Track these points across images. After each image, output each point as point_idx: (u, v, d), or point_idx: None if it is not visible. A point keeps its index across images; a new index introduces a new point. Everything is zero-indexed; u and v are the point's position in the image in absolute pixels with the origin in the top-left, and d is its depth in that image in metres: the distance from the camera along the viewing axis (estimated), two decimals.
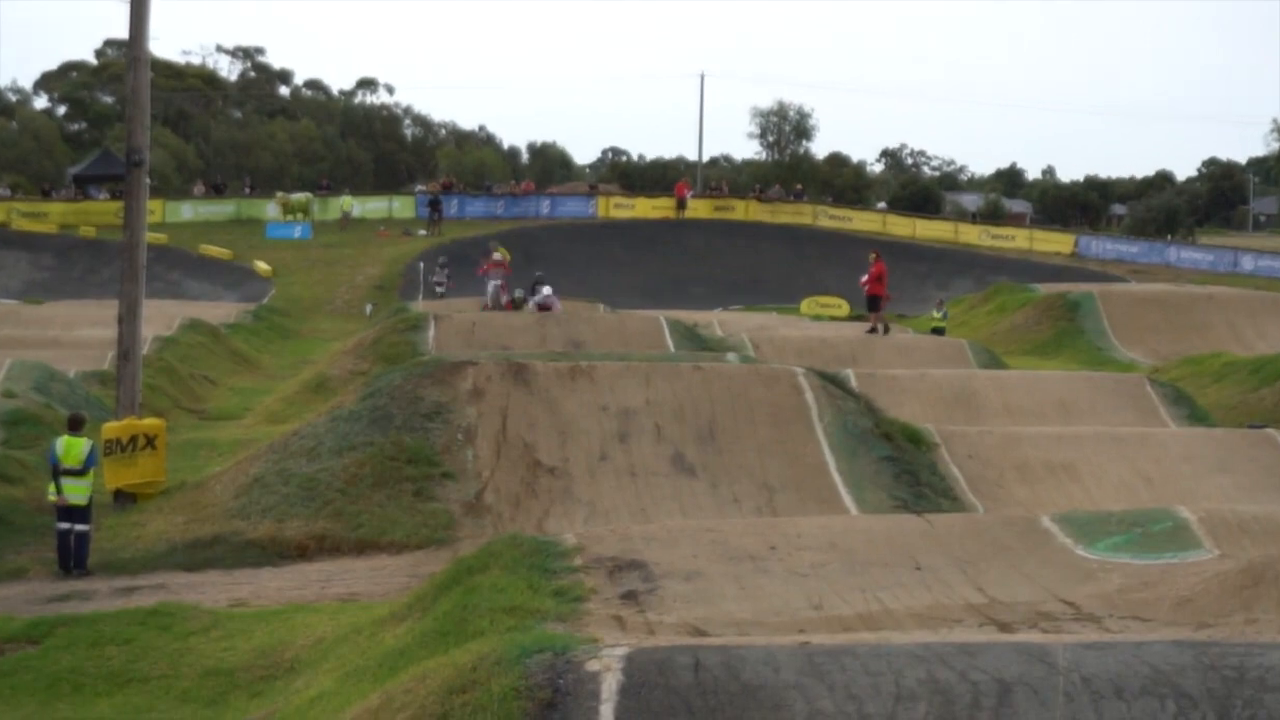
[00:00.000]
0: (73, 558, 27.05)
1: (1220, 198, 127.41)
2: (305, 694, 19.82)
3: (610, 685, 14.75)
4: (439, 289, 71.58)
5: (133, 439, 31.87)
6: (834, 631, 16.75)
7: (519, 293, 62.82)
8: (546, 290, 60.08)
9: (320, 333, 66.45)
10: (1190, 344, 54.35)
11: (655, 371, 32.72)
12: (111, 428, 32.10)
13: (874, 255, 56.80)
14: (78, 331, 50.77)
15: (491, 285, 62.83)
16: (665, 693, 14.52)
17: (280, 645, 22.44)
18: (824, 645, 15.12)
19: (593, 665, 15.02)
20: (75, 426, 28.54)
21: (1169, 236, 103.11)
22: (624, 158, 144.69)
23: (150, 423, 32.76)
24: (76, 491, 27.36)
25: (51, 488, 27.40)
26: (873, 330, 53.59)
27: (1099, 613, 19.01)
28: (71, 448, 27.49)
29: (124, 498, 31.16)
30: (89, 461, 27.56)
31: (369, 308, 70.87)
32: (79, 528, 27.25)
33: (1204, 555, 21.58)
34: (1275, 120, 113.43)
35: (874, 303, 54.85)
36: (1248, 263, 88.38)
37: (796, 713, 14.26)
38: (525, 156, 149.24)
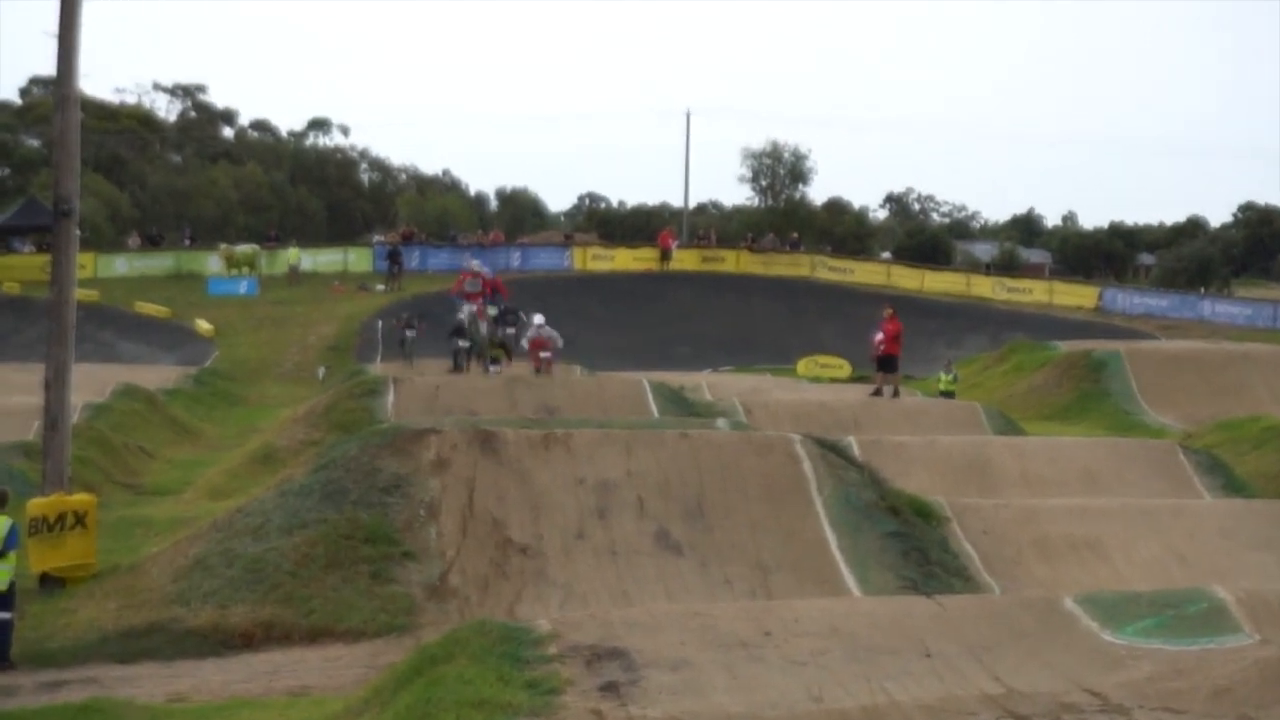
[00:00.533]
0: None
1: (1258, 245, 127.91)
2: None
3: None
4: (406, 341, 67.86)
5: (60, 517, 31.80)
6: None
7: (492, 309, 57.64)
8: (539, 320, 56.45)
9: (268, 399, 66.46)
10: (1226, 407, 54.42)
11: (637, 440, 32.73)
12: (37, 504, 32.05)
13: (889, 311, 56.72)
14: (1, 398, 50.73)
15: (466, 310, 57.20)
16: None
17: None
18: None
19: None
20: None
21: (1202, 289, 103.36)
22: (602, 204, 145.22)
23: (80, 499, 32.70)
24: None
25: None
26: (878, 393, 53.65)
27: (1128, 704, 19.02)
28: None
29: (51, 582, 31.05)
30: (9, 543, 27.43)
31: (322, 371, 70.86)
32: (3, 614, 27.20)
33: (1243, 640, 21.60)
34: None
35: (890, 363, 54.80)
36: None
37: None
38: (494, 203, 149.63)
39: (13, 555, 27.45)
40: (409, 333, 67.00)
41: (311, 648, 27.18)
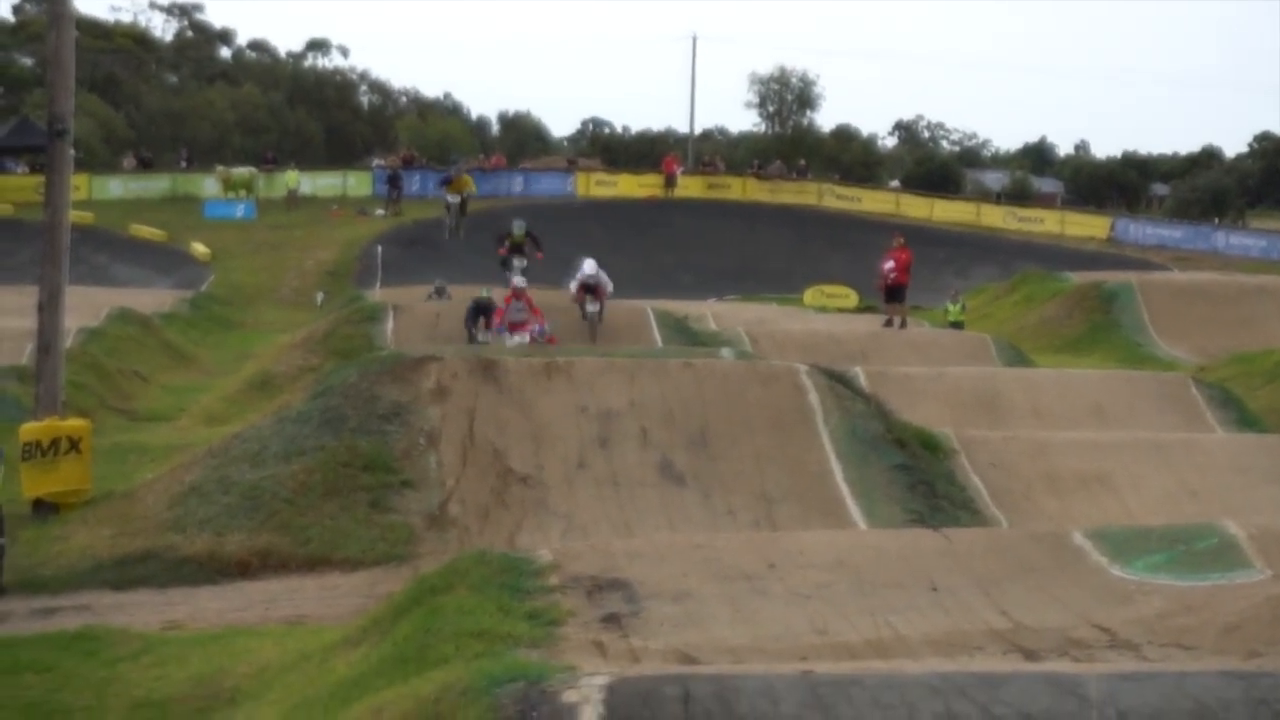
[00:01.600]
0: None
1: (1274, 176, 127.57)
2: None
3: (590, 717, 14.79)
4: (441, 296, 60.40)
5: (54, 442, 31.84)
6: (840, 660, 16.78)
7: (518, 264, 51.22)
8: (589, 266, 48.47)
9: (265, 324, 66.45)
10: (1240, 340, 54.40)
11: (641, 369, 32.72)
12: (30, 429, 32.07)
13: (900, 240, 56.82)
14: None
15: (513, 341, 45.74)
16: (646, 710, 14.54)
17: (219, 673, 22.43)
18: (829, 675, 15.14)
19: (570, 696, 15.04)
20: None
21: (1217, 220, 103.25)
22: (606, 130, 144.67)
23: (74, 424, 32.73)
24: None
25: None
26: (889, 323, 53.67)
27: (1137, 639, 19.05)
28: None
29: (44, 508, 31.09)
30: None
31: (320, 296, 70.80)
32: None
33: (1255, 576, 21.62)
34: None
35: (898, 293, 54.83)
36: None
37: None
38: (495, 128, 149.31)
39: None
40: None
41: (308, 576, 27.22)
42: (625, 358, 34.06)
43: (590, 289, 47.87)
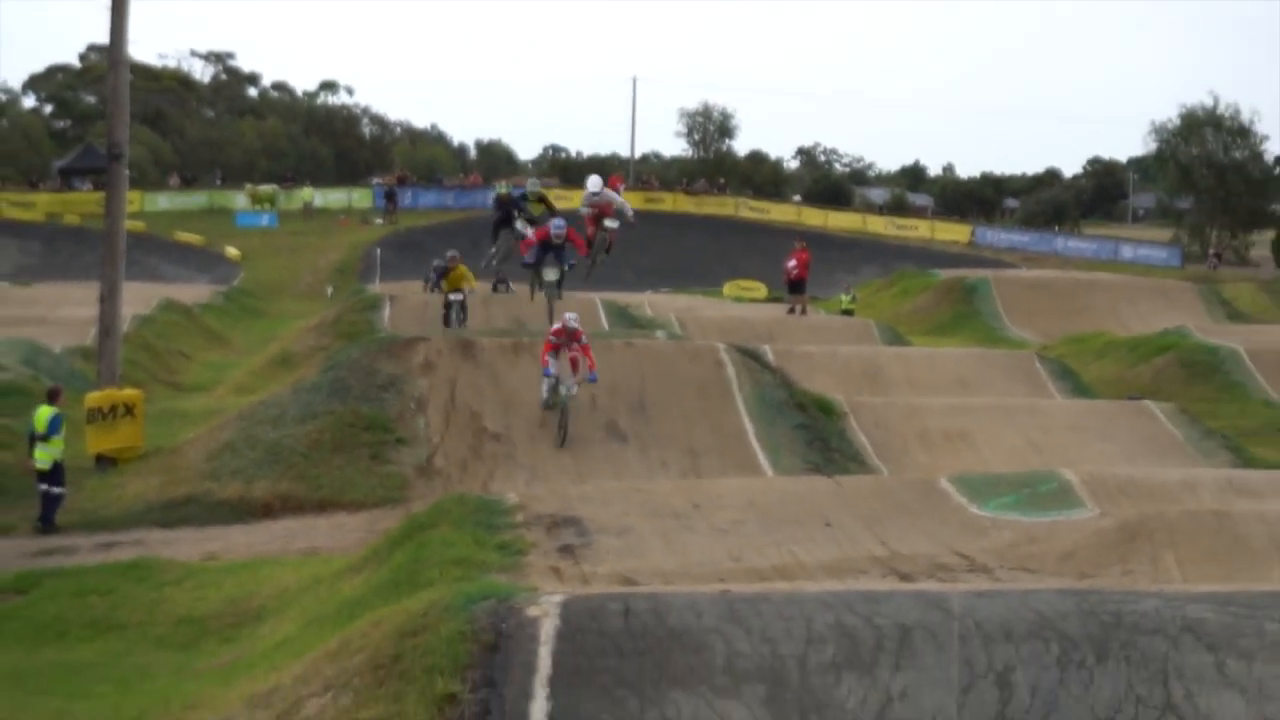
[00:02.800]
0: (44, 518, 27.06)
1: (1103, 193, 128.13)
2: (270, 639, 19.81)
3: (548, 629, 14.78)
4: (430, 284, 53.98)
5: (113, 408, 31.79)
6: (751, 581, 16.81)
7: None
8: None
9: (285, 312, 66.19)
10: (1074, 324, 54.67)
11: (591, 347, 32.72)
12: (94, 397, 32.04)
13: (800, 243, 57.14)
14: (62, 311, 50.50)
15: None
16: (597, 636, 14.55)
17: (248, 595, 22.42)
18: (742, 593, 15.18)
19: (532, 611, 15.05)
20: (51, 398, 28.49)
21: (1056, 228, 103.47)
22: (563, 154, 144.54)
23: (129, 393, 32.68)
24: (40, 456, 27.36)
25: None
26: (791, 311, 53.75)
27: (990, 565, 19.14)
28: (40, 416, 27.49)
29: (105, 461, 31.07)
30: (50, 429, 27.44)
31: (330, 289, 70.53)
32: (52, 489, 27.23)
33: (1086, 513, 21.77)
34: (1152, 122, 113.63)
35: (799, 286, 55.01)
36: (1127, 252, 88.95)
37: (716, 654, 14.32)
38: (473, 152, 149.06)
39: (56, 440, 27.38)
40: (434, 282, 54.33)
41: (320, 516, 27.20)
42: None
43: (600, 210, 34.86)
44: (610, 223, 35.08)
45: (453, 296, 41.88)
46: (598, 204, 34.55)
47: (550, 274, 35.22)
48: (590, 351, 30.59)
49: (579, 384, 30.50)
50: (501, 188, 42.28)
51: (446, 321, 41.19)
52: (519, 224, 40.26)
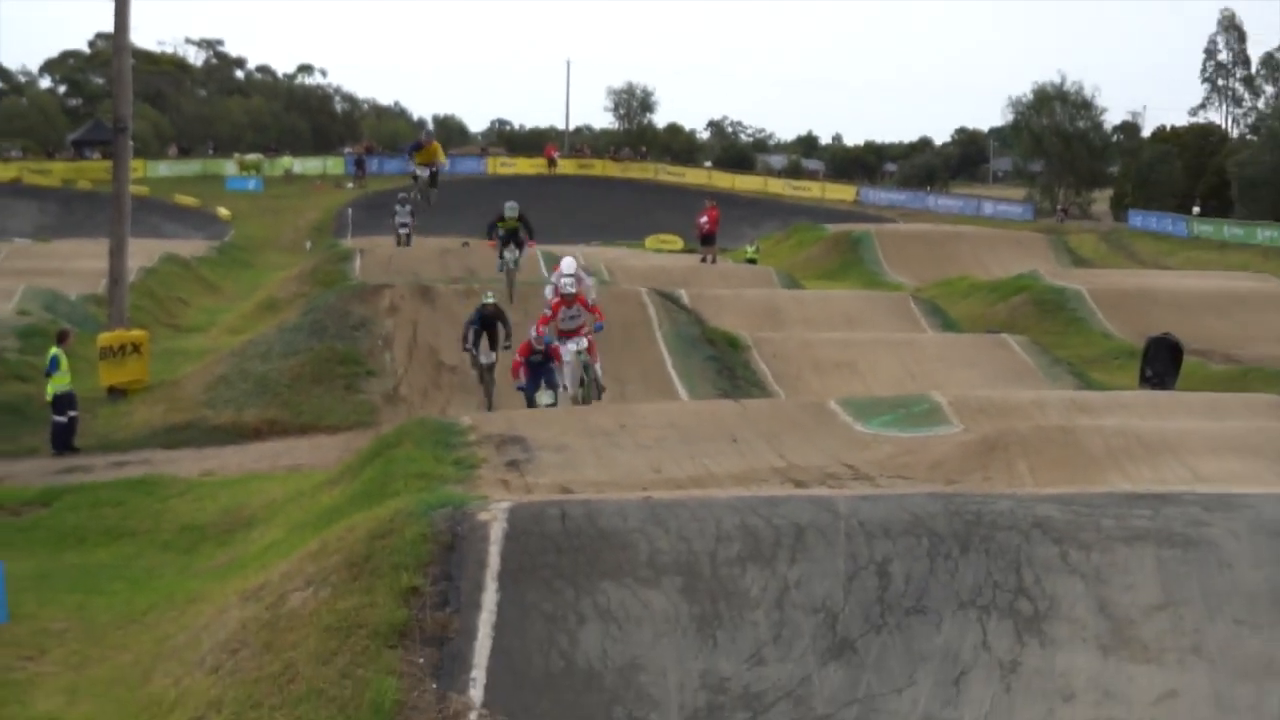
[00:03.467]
0: (55, 441, 27.09)
1: (967, 158, 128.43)
2: (260, 543, 19.83)
3: (497, 531, 14.85)
4: (403, 230, 53.72)
5: (122, 346, 31.68)
6: (670, 489, 16.89)
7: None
8: (568, 265, 25.54)
9: (270, 264, 65.80)
10: (943, 270, 54.86)
11: (532, 292, 32.68)
12: (105, 338, 31.92)
13: (711, 203, 57.32)
14: (77, 264, 50.04)
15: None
16: (539, 537, 14.63)
17: (240, 506, 22.43)
18: (662, 499, 15.27)
19: (483, 516, 15.10)
20: (59, 339, 28.57)
21: (928, 188, 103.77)
22: (508, 126, 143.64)
23: (136, 334, 32.55)
24: (47, 390, 27.55)
25: None
26: (704, 260, 53.81)
27: (872, 473, 19.28)
28: (48, 355, 27.63)
29: (116, 393, 30.98)
30: (50, 367, 27.51)
31: (308, 244, 70.11)
32: (55, 417, 27.22)
33: (952, 430, 21.93)
34: (1009, 97, 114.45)
35: (710, 240, 55.18)
36: (988, 208, 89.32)
37: (640, 551, 14.42)
38: (431, 125, 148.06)
39: (57, 376, 27.33)
40: (404, 229, 53.78)
41: (302, 438, 27.19)
42: (521, 285, 33.92)
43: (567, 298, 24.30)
44: (575, 344, 24.18)
45: (420, 171, 35.95)
46: (567, 292, 24.18)
47: (545, 398, 24.66)
48: (585, 301, 24.19)
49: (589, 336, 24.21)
50: (488, 296, 28.67)
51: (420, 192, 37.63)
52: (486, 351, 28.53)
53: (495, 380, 27.91)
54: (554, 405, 22.68)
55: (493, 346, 28.06)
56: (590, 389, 23.65)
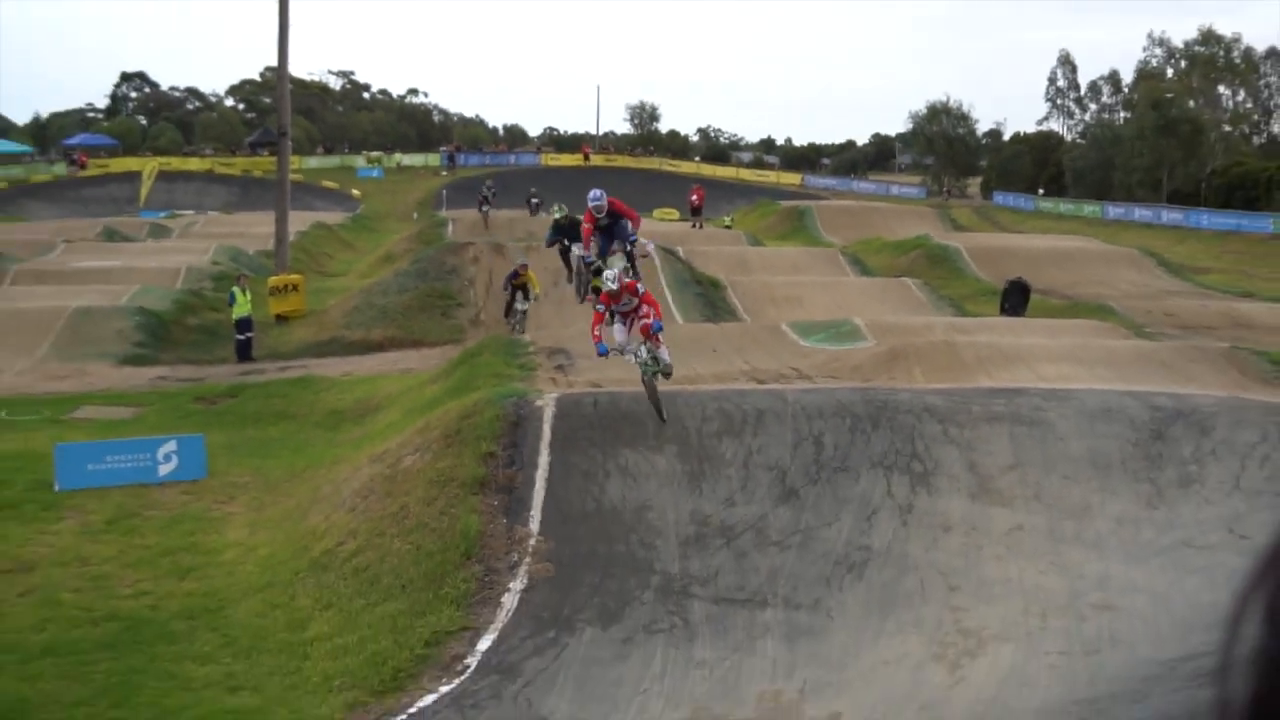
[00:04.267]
0: (238, 353, 27.19)
1: (880, 154, 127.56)
2: (383, 422, 19.93)
3: (549, 413, 14.91)
4: (485, 207, 49.19)
5: (286, 286, 31.69)
6: (669, 385, 16.92)
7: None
8: (594, 196, 17.76)
9: (388, 229, 65.50)
10: (863, 233, 54.52)
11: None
12: (273, 280, 31.95)
13: (698, 185, 57.60)
14: (253, 229, 49.98)
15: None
16: (578, 417, 14.69)
17: (369, 397, 22.51)
18: (665, 391, 15.31)
19: (539, 403, 15.17)
20: (237, 281, 28.73)
21: (852, 175, 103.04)
22: (556, 131, 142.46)
23: (295, 277, 32.58)
24: (231, 316, 27.72)
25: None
26: (693, 226, 53.62)
27: (811, 373, 19.32)
28: (230, 292, 27.87)
29: (281, 319, 31.05)
30: (230, 300, 27.64)
31: (415, 215, 69.73)
32: (236, 336, 27.32)
33: (868, 344, 21.96)
34: (910, 111, 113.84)
35: (698, 212, 55.20)
36: (895, 190, 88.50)
37: (648, 427, 14.51)
38: (501, 131, 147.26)
39: (235, 306, 27.45)
40: (486, 206, 49.61)
41: (412, 350, 27.24)
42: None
43: (605, 230, 17.58)
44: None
45: (518, 306, 26.14)
46: (599, 220, 17.67)
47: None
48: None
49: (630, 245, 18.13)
50: (558, 212, 21.56)
51: (508, 316, 26.62)
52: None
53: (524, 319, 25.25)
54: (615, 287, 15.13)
55: (526, 297, 24.97)
56: (655, 366, 15.15)
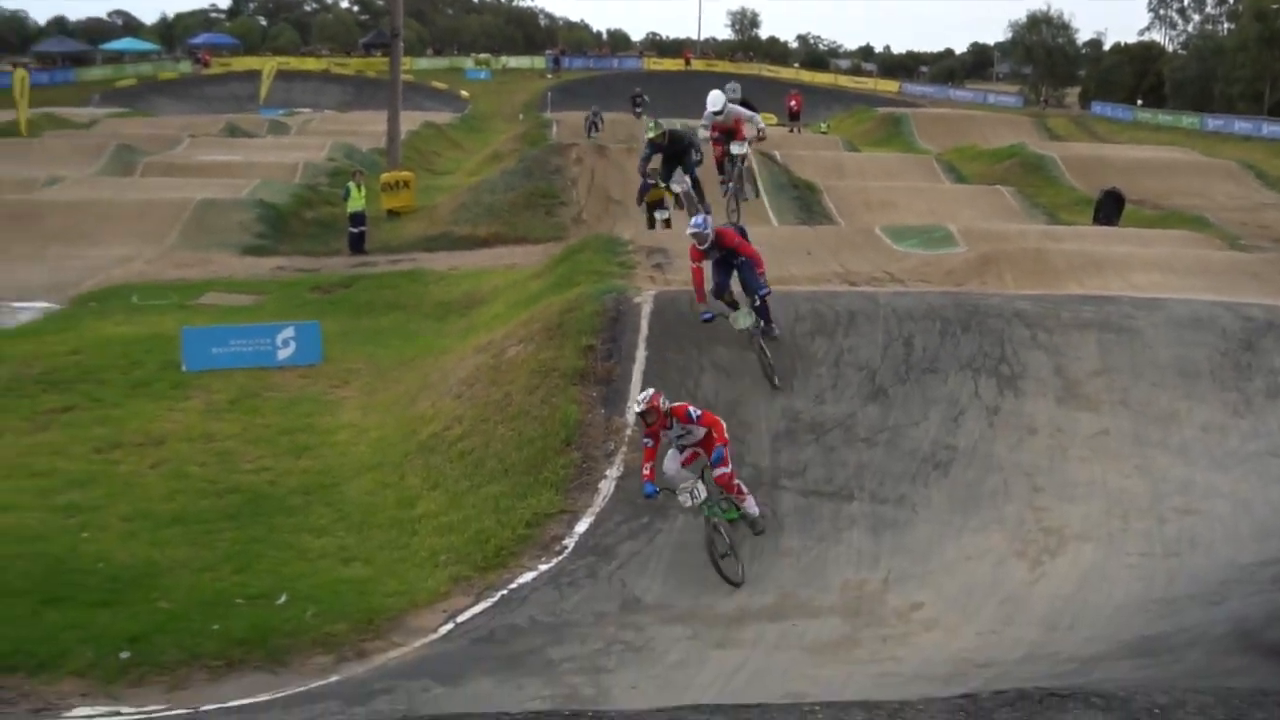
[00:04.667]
0: (352, 246, 27.48)
1: (978, 63, 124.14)
2: (488, 314, 20.08)
3: (646, 309, 14.92)
4: (594, 133, 45.00)
5: (397, 182, 31.89)
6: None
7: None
8: (713, 101, 17.61)
9: (495, 129, 65.42)
10: (958, 141, 53.32)
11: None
12: (386, 176, 32.14)
13: (796, 91, 56.83)
14: (366, 127, 50.19)
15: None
16: (675, 314, 14.69)
17: (475, 290, 22.68)
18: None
19: (637, 299, 15.18)
20: (352, 176, 28.92)
21: (950, 83, 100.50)
22: (658, 36, 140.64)
23: (406, 174, 32.74)
24: (346, 210, 27.92)
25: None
26: (791, 131, 52.87)
27: (903, 276, 19.07)
28: (345, 187, 28.07)
29: (393, 214, 31.23)
30: (344, 195, 27.92)
31: (521, 116, 69.59)
32: (350, 229, 27.57)
33: (959, 250, 21.58)
34: (1010, 21, 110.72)
35: (796, 117, 54.51)
36: (991, 99, 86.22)
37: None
38: (605, 35, 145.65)
39: (349, 200, 27.65)
40: (594, 131, 46.16)
41: (516, 246, 27.28)
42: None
43: (727, 131, 17.91)
44: (737, 147, 17.91)
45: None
46: (722, 125, 17.63)
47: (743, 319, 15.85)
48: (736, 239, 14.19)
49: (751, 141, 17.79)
50: (652, 129, 19.12)
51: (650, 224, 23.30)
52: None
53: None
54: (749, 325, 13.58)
55: (685, 170, 20.07)
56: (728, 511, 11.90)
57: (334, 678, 9.53)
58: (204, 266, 25.23)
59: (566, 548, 11.48)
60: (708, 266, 13.83)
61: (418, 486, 13.20)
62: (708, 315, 13.48)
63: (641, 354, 14.08)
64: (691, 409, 11.13)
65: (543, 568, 11.24)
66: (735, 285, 14.01)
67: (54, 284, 23.05)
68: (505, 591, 10.91)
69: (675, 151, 18.91)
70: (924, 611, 10.17)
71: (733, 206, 18.24)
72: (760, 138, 17.56)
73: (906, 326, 14.28)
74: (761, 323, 13.88)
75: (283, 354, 17.89)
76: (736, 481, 11.26)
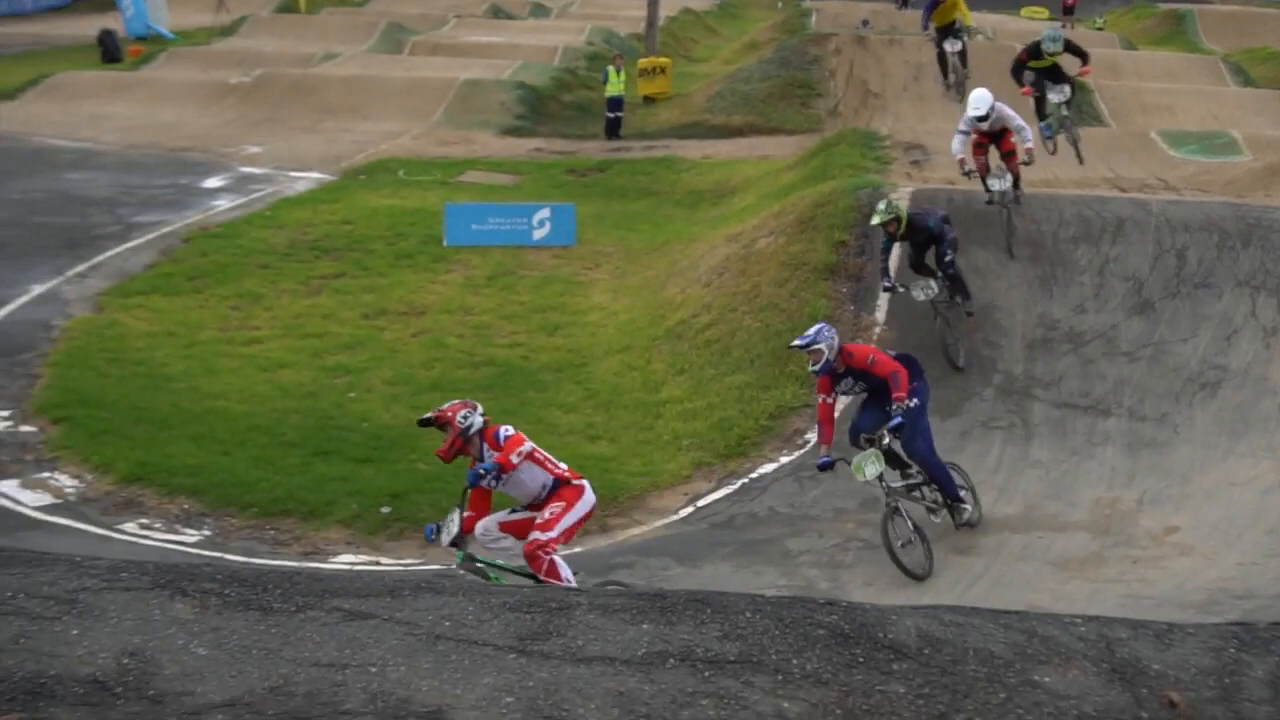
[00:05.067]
0: (608, 130, 27.65)
1: None
2: (739, 205, 20.05)
3: (903, 205, 14.59)
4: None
5: (654, 68, 31.89)
6: (1027, 188, 16.15)
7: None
8: (978, 104, 13.67)
9: (753, 17, 64.34)
10: (1249, 42, 49.58)
11: (925, 44, 31.27)
12: (643, 61, 32.19)
13: None
14: (625, 12, 50.16)
15: None
16: (928, 203, 14.28)
17: (727, 180, 22.63)
18: (1021, 192, 14.60)
19: (894, 195, 14.84)
20: (612, 60, 28.96)
21: None
22: None
23: (663, 60, 32.73)
24: (604, 94, 27.88)
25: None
26: (1063, 28, 50.26)
27: (1179, 186, 18.02)
28: (604, 70, 28.22)
29: (649, 100, 31.25)
30: (603, 78, 28.05)
31: (779, 4, 68.38)
32: (608, 114, 27.70)
33: (1243, 158, 20.24)
34: None
35: (1070, 11, 51.96)
36: None
37: (1001, 230, 13.96)
38: None
39: (609, 85, 27.69)
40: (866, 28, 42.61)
41: (770, 137, 26.98)
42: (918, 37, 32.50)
43: (993, 136, 13.97)
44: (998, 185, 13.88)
45: (949, 46, 21.04)
46: (984, 131, 13.96)
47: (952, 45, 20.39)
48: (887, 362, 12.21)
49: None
50: (881, 214, 12.43)
51: (944, 73, 22.27)
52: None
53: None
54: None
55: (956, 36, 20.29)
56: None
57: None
58: (466, 145, 25.96)
59: (809, 441, 11.49)
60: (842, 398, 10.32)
61: (663, 371, 13.40)
62: (826, 460, 9.67)
63: (895, 251, 13.81)
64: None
65: (784, 460, 11.30)
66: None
67: (328, 155, 24.18)
68: (746, 480, 11.03)
69: (918, 242, 12.80)
70: (1179, 535, 9.77)
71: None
72: (1027, 160, 13.72)
73: (1180, 237, 13.54)
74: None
75: (538, 234, 18.32)
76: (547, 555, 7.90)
